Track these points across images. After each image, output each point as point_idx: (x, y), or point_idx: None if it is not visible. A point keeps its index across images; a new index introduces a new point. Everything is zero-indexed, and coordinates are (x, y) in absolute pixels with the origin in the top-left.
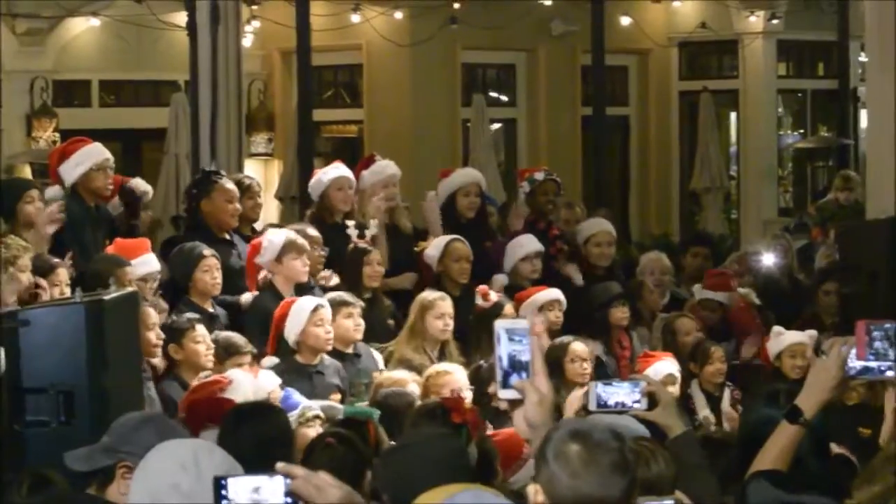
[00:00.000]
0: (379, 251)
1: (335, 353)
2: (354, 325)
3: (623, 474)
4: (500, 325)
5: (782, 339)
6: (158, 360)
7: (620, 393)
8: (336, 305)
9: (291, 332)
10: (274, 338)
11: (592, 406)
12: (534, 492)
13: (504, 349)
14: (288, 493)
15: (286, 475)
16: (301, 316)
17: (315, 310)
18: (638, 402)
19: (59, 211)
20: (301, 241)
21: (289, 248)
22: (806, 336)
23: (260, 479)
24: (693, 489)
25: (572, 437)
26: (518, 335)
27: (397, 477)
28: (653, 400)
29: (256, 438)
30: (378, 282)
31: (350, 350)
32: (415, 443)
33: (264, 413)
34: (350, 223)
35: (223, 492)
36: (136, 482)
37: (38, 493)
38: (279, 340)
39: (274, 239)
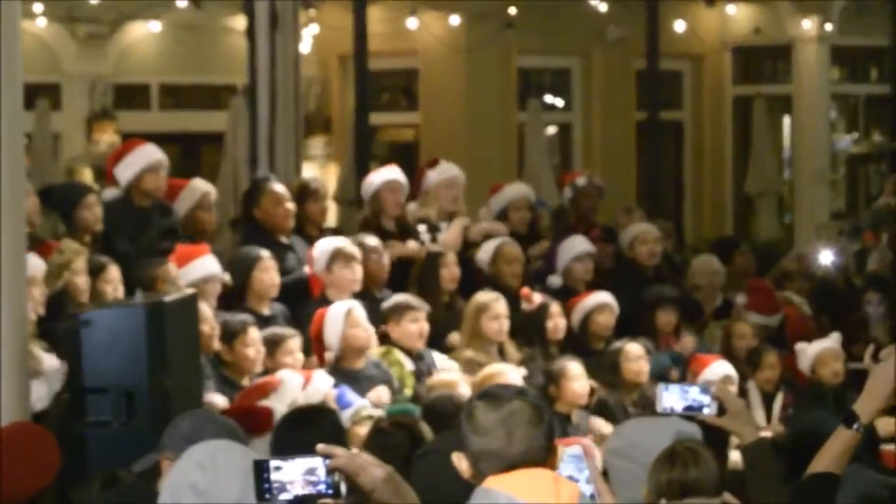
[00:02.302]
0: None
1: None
2: (419, 330)
3: (530, 427)
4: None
5: (808, 352)
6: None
7: (670, 398)
8: (402, 310)
9: (333, 340)
10: (319, 353)
11: (659, 408)
12: (457, 459)
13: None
14: (329, 473)
15: (326, 456)
16: (336, 321)
17: (348, 312)
18: (707, 406)
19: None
20: (350, 249)
21: (336, 256)
22: (830, 340)
23: (304, 462)
24: (763, 498)
25: (479, 398)
26: (569, 461)
27: (419, 483)
28: (722, 405)
29: (309, 442)
30: (455, 284)
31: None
32: (436, 450)
33: (315, 417)
34: (422, 227)
35: (265, 475)
36: (164, 483)
37: (109, 491)
38: (324, 353)
39: (323, 248)
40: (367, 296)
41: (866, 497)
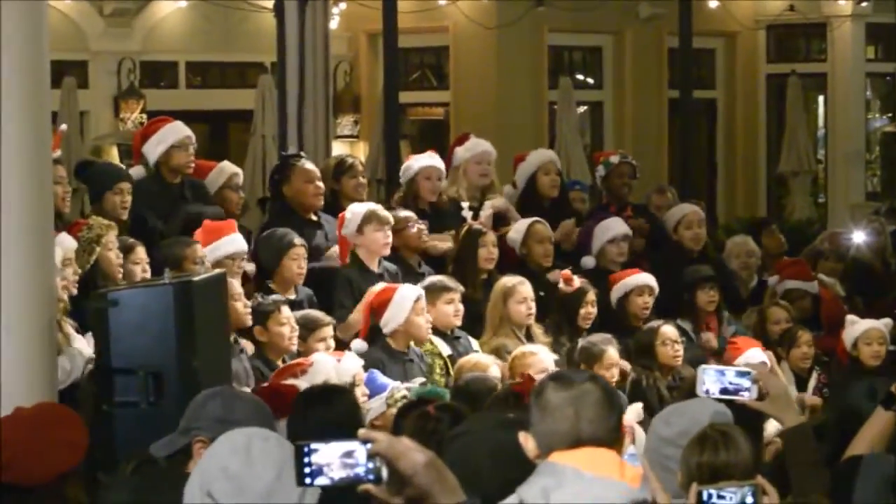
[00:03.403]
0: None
1: (436, 333)
2: (454, 310)
3: (599, 408)
4: None
5: (857, 327)
6: (246, 343)
7: (710, 381)
8: (437, 291)
9: (392, 321)
10: (367, 322)
11: (699, 391)
12: (524, 438)
13: None
14: (370, 458)
15: (366, 440)
16: (404, 305)
17: (417, 299)
18: (747, 390)
19: None
20: (383, 212)
21: (369, 218)
22: (881, 323)
23: (344, 445)
24: (803, 483)
25: (550, 380)
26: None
27: (452, 464)
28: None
29: (324, 421)
30: (492, 264)
31: (449, 332)
32: (469, 431)
33: (331, 396)
34: (465, 204)
35: (306, 459)
36: (195, 467)
37: (138, 473)
38: (372, 325)
39: (356, 210)
40: (400, 263)
41: (888, 480)
